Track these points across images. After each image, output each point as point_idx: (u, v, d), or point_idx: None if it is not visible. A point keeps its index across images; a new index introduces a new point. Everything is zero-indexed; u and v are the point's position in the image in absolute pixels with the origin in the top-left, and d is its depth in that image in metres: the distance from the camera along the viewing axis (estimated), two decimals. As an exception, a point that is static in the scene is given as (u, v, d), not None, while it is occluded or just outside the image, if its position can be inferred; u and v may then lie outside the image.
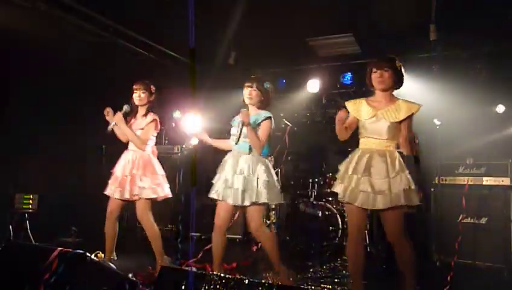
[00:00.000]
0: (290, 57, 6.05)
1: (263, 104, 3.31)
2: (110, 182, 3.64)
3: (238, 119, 3.24)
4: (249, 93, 3.26)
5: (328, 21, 4.91)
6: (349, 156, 2.93)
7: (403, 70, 2.88)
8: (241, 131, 3.10)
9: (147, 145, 3.65)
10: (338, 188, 2.90)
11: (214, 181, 3.29)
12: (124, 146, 3.74)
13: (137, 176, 3.52)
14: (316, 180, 5.35)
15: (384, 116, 2.81)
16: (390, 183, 2.72)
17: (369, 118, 2.86)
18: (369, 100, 2.93)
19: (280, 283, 2.44)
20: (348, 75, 5.79)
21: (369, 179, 2.76)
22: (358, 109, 2.93)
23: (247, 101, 3.28)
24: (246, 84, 3.29)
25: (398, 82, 2.87)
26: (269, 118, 3.23)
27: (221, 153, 3.43)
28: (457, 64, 5.20)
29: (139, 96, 3.67)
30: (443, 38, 4.73)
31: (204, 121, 3.74)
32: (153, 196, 3.55)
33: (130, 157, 3.62)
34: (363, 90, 5.51)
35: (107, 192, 3.62)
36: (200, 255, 4.06)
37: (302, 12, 4.76)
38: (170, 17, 4.57)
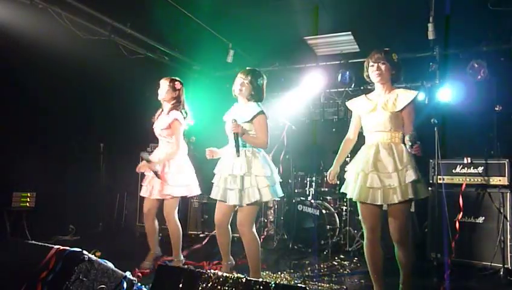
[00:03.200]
0: (289, 56, 6.04)
1: (253, 98, 3.19)
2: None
3: (231, 116, 3.17)
4: (240, 84, 3.17)
5: (327, 20, 4.90)
6: (357, 153, 2.91)
7: (399, 63, 2.85)
8: (237, 142, 3.05)
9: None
10: (347, 187, 2.89)
11: (213, 181, 3.24)
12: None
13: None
14: (314, 179, 5.36)
15: (384, 107, 2.79)
16: (399, 177, 2.68)
17: (370, 111, 2.85)
18: (368, 96, 2.95)
19: (278, 281, 2.44)
20: (347, 74, 5.79)
21: (377, 175, 2.71)
22: (358, 105, 2.96)
23: (236, 92, 3.20)
24: (240, 74, 3.19)
25: (396, 75, 2.85)
26: (261, 112, 3.12)
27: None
28: (456, 64, 5.20)
29: (160, 91, 3.72)
30: (442, 38, 4.74)
31: (200, 120, 3.72)
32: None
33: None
34: (361, 89, 5.53)
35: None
36: (185, 253, 4.07)
37: (301, 12, 4.76)
38: (169, 15, 4.56)
